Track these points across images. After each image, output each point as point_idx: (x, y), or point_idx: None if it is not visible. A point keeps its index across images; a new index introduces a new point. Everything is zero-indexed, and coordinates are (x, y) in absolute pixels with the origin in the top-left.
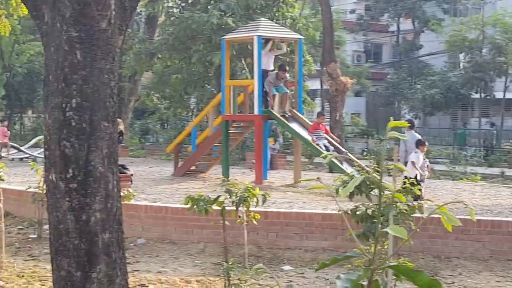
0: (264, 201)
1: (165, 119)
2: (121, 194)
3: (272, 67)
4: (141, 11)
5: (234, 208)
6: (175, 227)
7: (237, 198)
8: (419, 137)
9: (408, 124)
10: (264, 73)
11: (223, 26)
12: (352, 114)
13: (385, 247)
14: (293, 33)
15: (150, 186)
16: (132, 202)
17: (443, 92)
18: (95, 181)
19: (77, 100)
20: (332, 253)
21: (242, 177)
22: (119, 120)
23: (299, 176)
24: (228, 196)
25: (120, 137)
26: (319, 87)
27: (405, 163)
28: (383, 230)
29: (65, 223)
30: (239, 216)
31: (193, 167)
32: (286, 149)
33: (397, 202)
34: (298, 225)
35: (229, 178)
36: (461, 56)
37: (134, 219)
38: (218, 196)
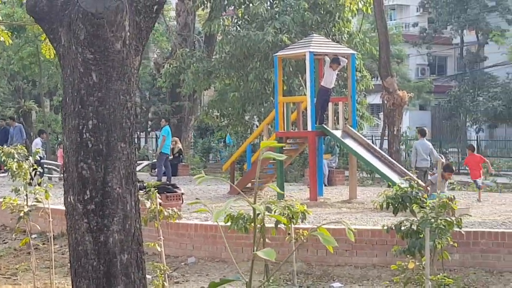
0: (303, 219)
1: (225, 137)
2: (166, 213)
3: (333, 85)
4: (200, 30)
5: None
6: (224, 245)
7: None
8: (430, 145)
9: (419, 133)
10: (324, 91)
11: (279, 43)
12: (417, 127)
13: (423, 263)
14: (346, 48)
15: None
16: (183, 221)
17: (506, 103)
18: (113, 202)
19: (93, 122)
20: (381, 269)
21: (299, 193)
22: (176, 138)
23: (355, 192)
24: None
25: (180, 155)
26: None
27: (416, 168)
28: None
29: (84, 245)
30: (288, 234)
31: (249, 185)
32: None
33: (434, 217)
34: (348, 242)
35: (284, 195)
36: None
37: (185, 238)
38: (257, 214)
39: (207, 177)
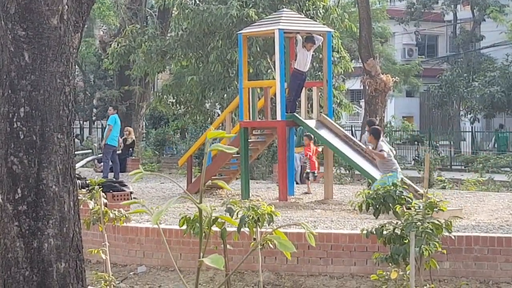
0: (271, 222)
1: (184, 127)
2: (112, 215)
3: (308, 68)
4: (153, 4)
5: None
6: (180, 252)
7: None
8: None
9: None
10: (298, 75)
11: (244, 19)
12: (403, 117)
13: (407, 272)
14: (321, 25)
15: (157, 205)
16: (132, 224)
17: (505, 90)
18: (48, 202)
19: (25, 109)
20: (361, 279)
21: (267, 192)
22: (130, 129)
23: (331, 191)
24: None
25: (131, 149)
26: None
27: None
28: None
29: (14, 251)
30: (254, 239)
31: (208, 182)
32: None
33: (420, 220)
34: (323, 248)
35: (249, 195)
36: None
37: (134, 244)
38: (217, 218)
39: (145, 172)
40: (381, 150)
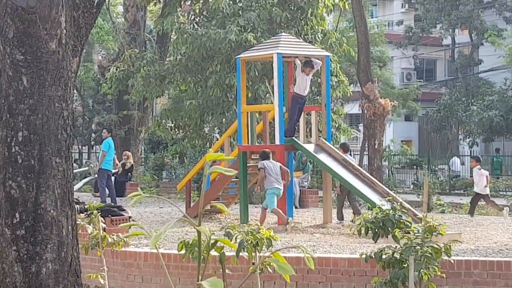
0: (269, 246)
1: (183, 152)
2: (110, 240)
3: (307, 92)
4: (152, 28)
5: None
6: (179, 277)
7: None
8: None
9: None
10: (298, 99)
11: (243, 44)
12: (402, 141)
13: None
14: (320, 49)
15: (156, 229)
16: (131, 249)
17: (503, 113)
18: (46, 226)
19: (23, 133)
20: None
21: (266, 217)
22: (128, 153)
23: (330, 215)
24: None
25: (129, 173)
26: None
27: None
28: None
29: (12, 276)
30: (253, 263)
31: (207, 206)
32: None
33: (420, 244)
34: (322, 272)
35: (248, 219)
36: None
37: (132, 269)
38: (216, 241)
39: (143, 195)
40: None
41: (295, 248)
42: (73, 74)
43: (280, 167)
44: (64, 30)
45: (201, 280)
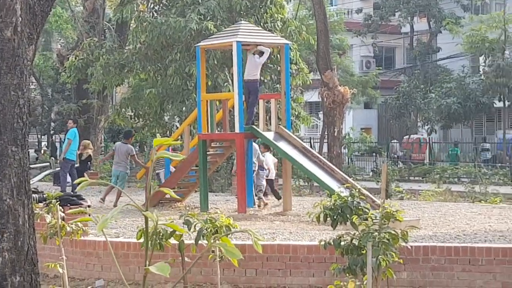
0: (228, 234)
1: (143, 141)
2: (69, 229)
3: (257, 76)
4: (111, 17)
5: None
6: (138, 265)
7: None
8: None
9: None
10: (250, 84)
11: (203, 32)
12: (361, 129)
13: (365, 282)
14: (279, 37)
15: (116, 219)
16: (90, 238)
17: (461, 101)
18: (2, 215)
19: None
20: None
21: (226, 205)
22: (87, 142)
23: (290, 203)
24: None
25: (89, 162)
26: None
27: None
28: None
29: None
30: (212, 251)
31: (167, 195)
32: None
33: (377, 230)
34: (281, 260)
35: (208, 207)
36: (481, 59)
37: (92, 258)
38: (174, 230)
39: (90, 181)
40: None
41: (243, 232)
42: (29, 62)
43: None
44: (20, 18)
45: (149, 265)
